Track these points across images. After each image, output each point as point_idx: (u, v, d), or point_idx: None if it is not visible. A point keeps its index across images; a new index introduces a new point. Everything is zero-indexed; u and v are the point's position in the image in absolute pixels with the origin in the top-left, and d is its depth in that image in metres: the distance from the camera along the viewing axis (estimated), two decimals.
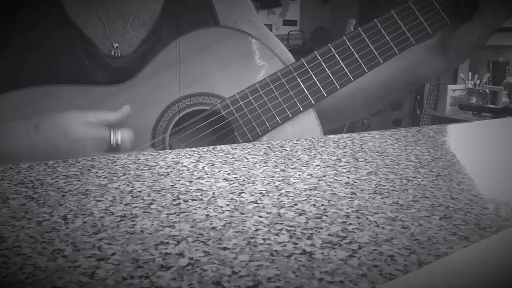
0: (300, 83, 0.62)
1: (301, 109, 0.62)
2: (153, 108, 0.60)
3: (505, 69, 3.18)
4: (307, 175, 0.38)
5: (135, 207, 0.30)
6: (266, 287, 0.21)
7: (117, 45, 0.66)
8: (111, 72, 0.64)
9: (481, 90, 2.93)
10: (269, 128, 0.61)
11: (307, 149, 0.47)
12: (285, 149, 0.46)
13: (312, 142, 0.50)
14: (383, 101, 0.77)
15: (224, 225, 0.27)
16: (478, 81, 2.98)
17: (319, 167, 0.40)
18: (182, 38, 0.62)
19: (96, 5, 0.66)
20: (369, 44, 0.62)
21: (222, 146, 0.48)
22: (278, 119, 0.61)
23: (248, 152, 0.45)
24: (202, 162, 0.41)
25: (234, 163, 0.41)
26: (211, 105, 0.61)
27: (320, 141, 0.50)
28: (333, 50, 0.62)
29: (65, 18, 0.64)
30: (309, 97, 0.62)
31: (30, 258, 0.23)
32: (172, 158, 0.42)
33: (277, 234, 0.26)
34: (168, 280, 0.21)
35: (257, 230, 0.27)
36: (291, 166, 0.40)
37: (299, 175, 0.38)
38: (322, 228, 0.27)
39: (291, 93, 0.61)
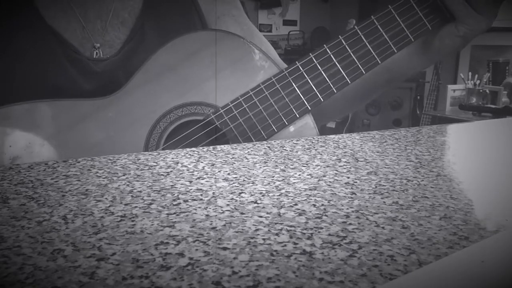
0: (296, 88, 0.59)
1: (298, 116, 0.59)
2: (144, 120, 0.58)
3: (505, 69, 3.18)
4: (307, 175, 0.38)
5: (135, 207, 0.30)
6: (266, 287, 0.21)
7: (98, 45, 0.63)
8: (95, 77, 0.62)
9: (481, 90, 2.93)
10: (265, 137, 0.59)
11: (307, 149, 0.47)
12: (285, 149, 0.46)
13: (312, 142, 0.50)
14: (363, 100, 0.75)
15: (224, 225, 0.27)
16: (478, 81, 2.98)
17: (319, 167, 0.40)
18: (169, 44, 0.59)
19: (73, 7, 0.63)
20: (367, 44, 0.60)
21: (222, 146, 0.48)
22: (274, 127, 0.59)
23: (248, 152, 0.45)
24: (202, 162, 0.41)
25: (234, 163, 0.41)
26: (204, 115, 0.59)
27: (320, 141, 0.50)
28: (329, 52, 0.60)
29: (44, 24, 0.61)
30: (306, 103, 0.59)
31: (30, 258, 0.23)
32: (172, 158, 0.42)
33: (277, 234, 0.26)
34: (168, 280, 0.21)
35: (257, 230, 0.27)
36: (291, 166, 0.40)
37: (299, 175, 0.38)
38: (322, 228, 0.27)
39: (287, 99, 0.59)
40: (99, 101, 0.57)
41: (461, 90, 3.09)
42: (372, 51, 0.60)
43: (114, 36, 0.65)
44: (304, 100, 0.59)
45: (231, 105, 0.59)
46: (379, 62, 0.60)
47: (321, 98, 0.60)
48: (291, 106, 0.59)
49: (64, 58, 0.61)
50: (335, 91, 0.60)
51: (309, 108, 0.60)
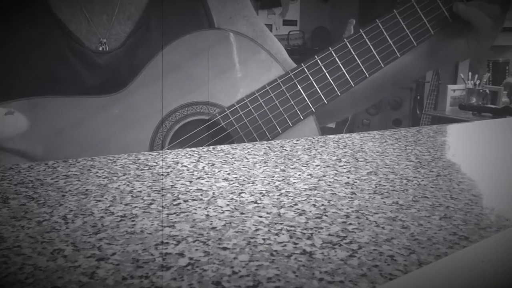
0: (301, 90, 0.59)
1: (302, 118, 0.60)
2: (149, 119, 0.57)
3: (505, 69, 3.18)
4: (307, 175, 0.38)
5: (135, 207, 0.30)
6: (266, 287, 0.21)
7: (105, 40, 0.63)
8: (98, 70, 0.62)
9: (481, 90, 2.93)
10: (270, 139, 0.59)
11: (307, 149, 0.47)
12: (285, 149, 0.46)
13: (312, 142, 0.50)
14: (369, 101, 0.77)
15: (224, 225, 0.27)
16: (478, 81, 2.98)
17: (319, 167, 0.40)
18: (174, 42, 0.59)
19: (79, 0, 0.63)
20: (371, 47, 0.60)
21: (222, 146, 0.48)
22: (279, 129, 0.59)
23: (248, 152, 0.45)
24: (202, 162, 0.41)
25: (234, 163, 0.41)
26: (209, 114, 0.59)
27: (320, 141, 0.50)
28: (334, 55, 0.60)
29: (51, 15, 0.62)
30: (310, 105, 0.59)
31: (30, 258, 0.23)
32: (172, 158, 0.42)
33: (277, 234, 0.26)
34: (168, 280, 0.21)
35: (257, 230, 0.27)
36: (291, 166, 0.40)
37: (299, 175, 0.38)
38: (322, 228, 0.27)
39: (292, 102, 0.59)
40: (104, 98, 0.57)
41: (461, 90, 3.08)
42: (376, 55, 0.60)
43: (120, 29, 0.65)
44: (309, 103, 0.59)
45: (236, 106, 0.59)
46: (383, 66, 0.60)
47: (325, 101, 0.60)
48: (296, 108, 0.59)
49: (68, 50, 0.61)
50: (339, 94, 0.60)
51: (313, 111, 0.60)
